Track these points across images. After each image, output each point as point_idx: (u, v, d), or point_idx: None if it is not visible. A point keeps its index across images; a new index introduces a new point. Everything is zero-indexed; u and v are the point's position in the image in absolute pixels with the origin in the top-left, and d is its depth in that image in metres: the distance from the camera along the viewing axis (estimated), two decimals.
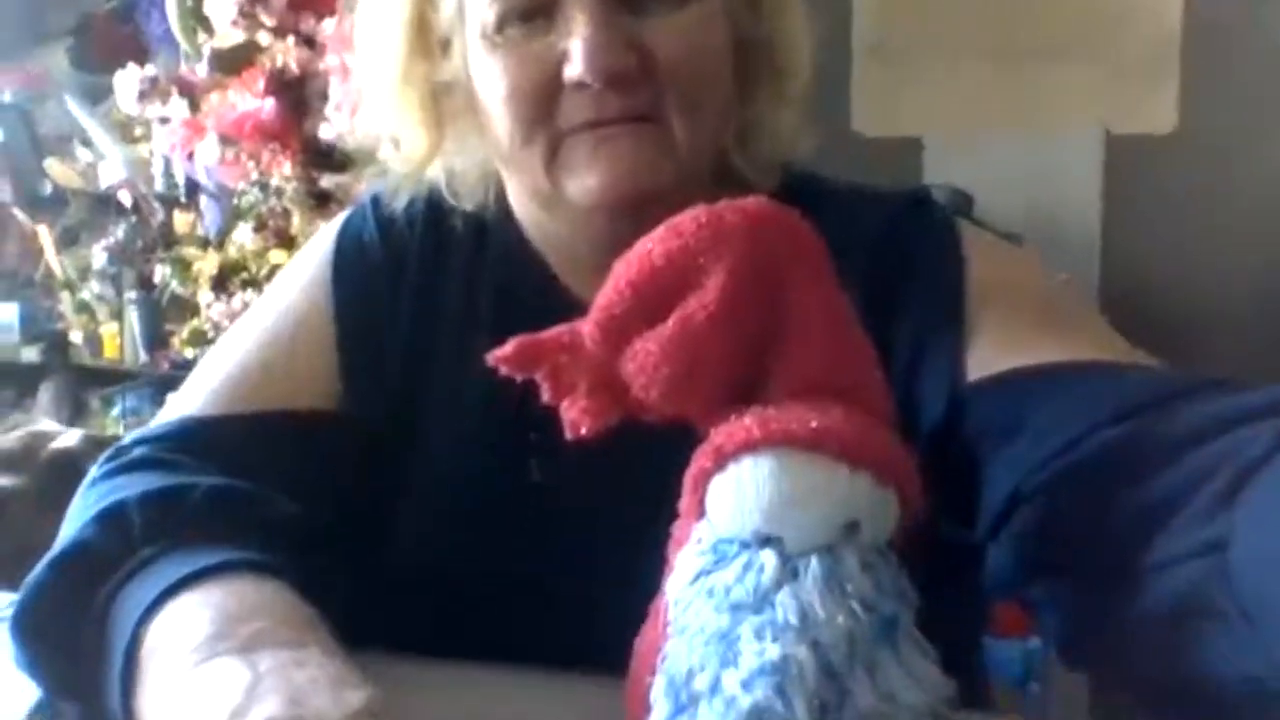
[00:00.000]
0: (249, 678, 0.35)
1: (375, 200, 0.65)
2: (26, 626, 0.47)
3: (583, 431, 0.42)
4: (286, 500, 0.52)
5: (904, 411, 0.52)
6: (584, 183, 0.54)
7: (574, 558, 0.56)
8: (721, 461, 0.37)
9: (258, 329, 0.62)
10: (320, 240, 0.66)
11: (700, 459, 0.38)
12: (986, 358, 0.51)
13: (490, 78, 0.55)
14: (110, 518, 0.47)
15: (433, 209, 0.63)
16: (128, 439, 0.57)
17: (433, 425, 0.61)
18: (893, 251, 0.57)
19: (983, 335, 0.52)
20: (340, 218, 0.67)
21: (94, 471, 0.54)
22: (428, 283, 0.62)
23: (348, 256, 0.63)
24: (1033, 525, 0.45)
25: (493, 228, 0.63)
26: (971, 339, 0.52)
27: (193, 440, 0.56)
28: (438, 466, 0.60)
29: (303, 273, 0.64)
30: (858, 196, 0.61)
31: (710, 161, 0.57)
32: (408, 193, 0.63)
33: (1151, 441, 0.41)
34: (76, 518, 0.50)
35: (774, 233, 0.38)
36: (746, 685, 0.32)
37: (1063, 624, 0.44)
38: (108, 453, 0.56)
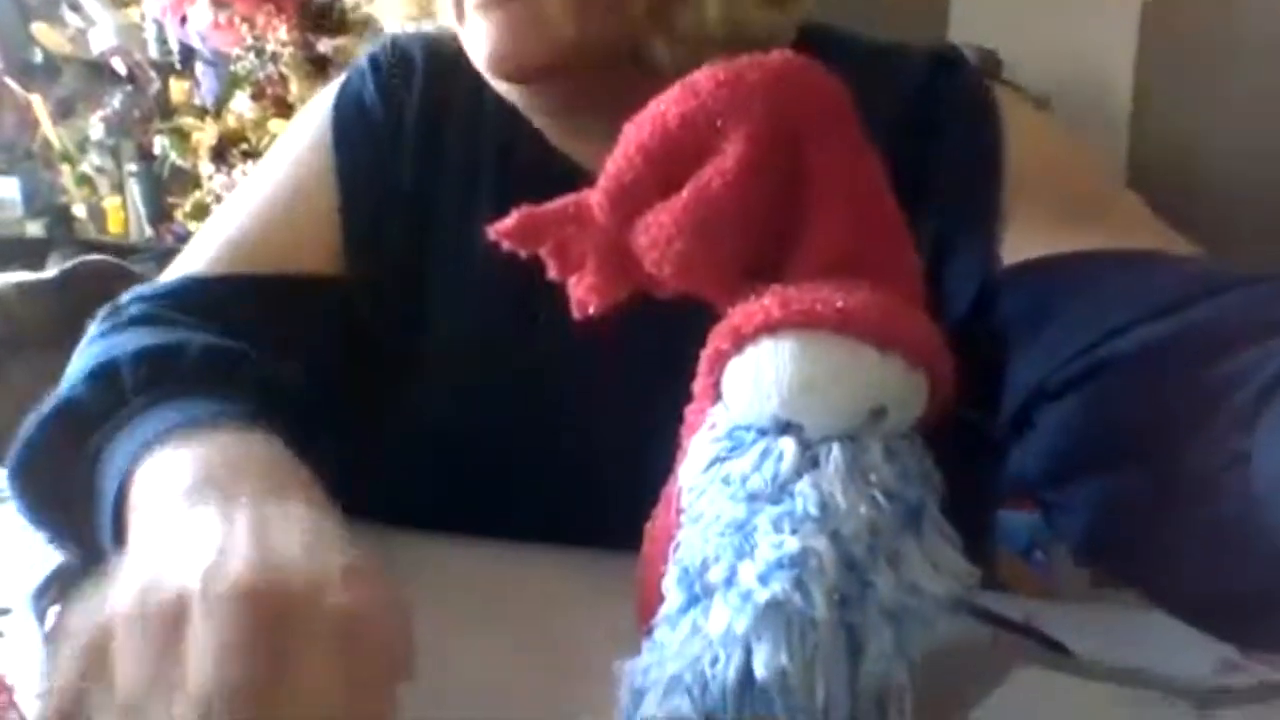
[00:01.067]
0: (223, 534, 0.33)
1: (374, 60, 0.63)
2: (23, 480, 0.48)
3: (591, 309, 0.39)
4: (286, 361, 0.50)
5: (930, 290, 0.50)
6: (479, 53, 0.53)
7: (581, 432, 0.54)
8: (739, 343, 0.34)
9: (259, 194, 0.61)
10: (319, 102, 0.64)
11: (716, 340, 0.35)
12: (1022, 242, 0.48)
13: None
14: (102, 374, 0.47)
15: (432, 67, 0.61)
16: (125, 297, 0.56)
17: (438, 292, 0.59)
18: (920, 119, 0.53)
19: (1020, 218, 0.49)
20: (339, 80, 0.65)
21: (91, 329, 0.54)
22: (428, 144, 0.60)
23: (347, 117, 0.62)
24: (1057, 422, 0.43)
25: (490, 86, 0.60)
26: (1007, 222, 0.49)
27: (192, 299, 0.55)
28: (442, 335, 0.58)
29: (303, 135, 0.63)
30: (880, 54, 0.57)
31: (618, 33, 0.52)
32: (408, 49, 0.62)
33: (1184, 344, 0.39)
34: (71, 374, 0.49)
35: (800, 92, 0.34)
36: (763, 578, 0.31)
37: (1081, 526, 0.42)
38: (104, 310, 0.55)
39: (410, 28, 0.63)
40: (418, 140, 0.60)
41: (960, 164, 0.52)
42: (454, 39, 0.58)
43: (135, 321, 0.52)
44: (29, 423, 0.48)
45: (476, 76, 0.59)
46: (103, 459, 0.44)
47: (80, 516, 0.45)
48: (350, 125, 0.61)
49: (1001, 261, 0.48)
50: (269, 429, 0.42)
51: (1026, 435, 0.45)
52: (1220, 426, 0.35)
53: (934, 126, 0.53)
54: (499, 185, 0.59)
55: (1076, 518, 0.42)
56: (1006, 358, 0.46)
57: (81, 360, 0.50)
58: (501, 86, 0.58)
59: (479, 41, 0.53)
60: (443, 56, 0.60)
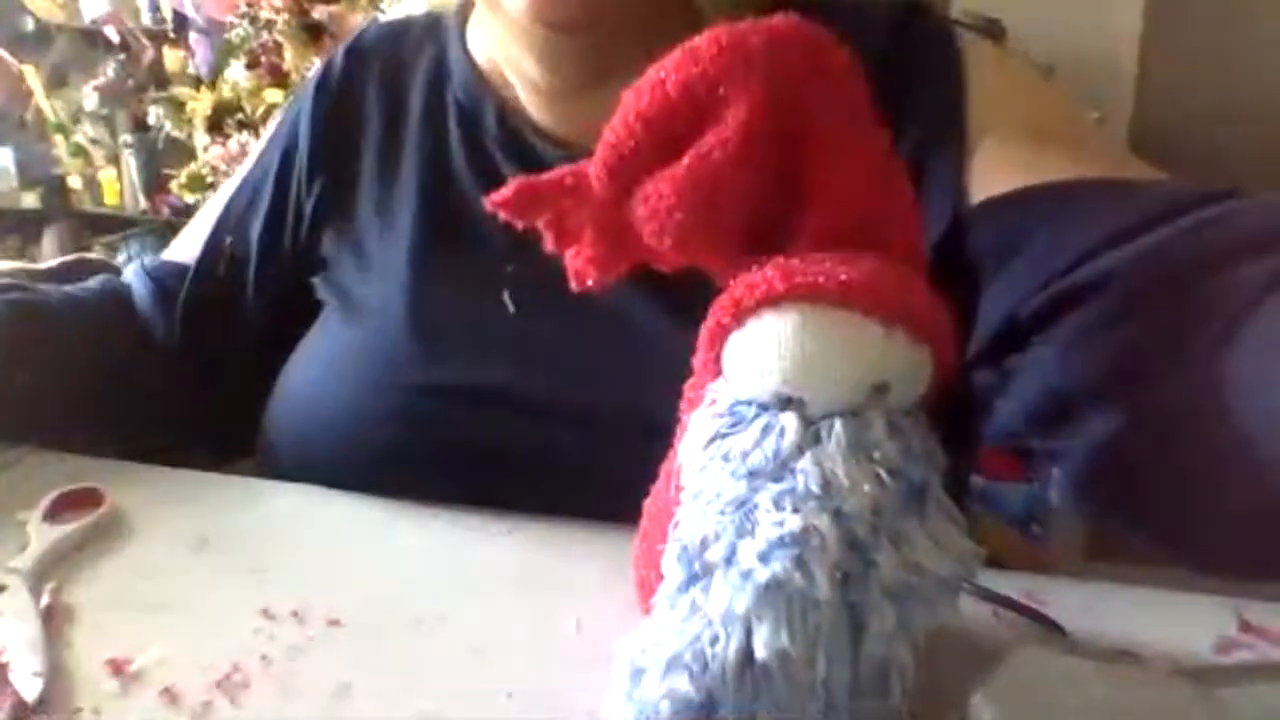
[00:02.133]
0: None
1: (348, 48, 0.67)
2: None
3: (589, 283, 0.38)
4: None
5: None
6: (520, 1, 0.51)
7: (580, 407, 0.53)
8: (740, 317, 0.33)
9: (244, 168, 0.68)
10: (307, 80, 0.69)
11: (717, 313, 0.34)
12: (989, 177, 0.47)
13: None
14: None
15: (395, 49, 0.65)
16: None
17: (400, 247, 0.60)
18: (892, 66, 0.52)
19: (985, 153, 0.48)
20: (326, 59, 0.69)
21: None
22: (393, 92, 0.64)
23: (326, 77, 0.66)
24: (1034, 362, 0.41)
25: (453, 45, 0.63)
26: (973, 158, 0.48)
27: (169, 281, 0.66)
28: (434, 311, 0.58)
29: (288, 109, 0.68)
30: (857, 8, 0.56)
31: None
32: (379, 34, 0.66)
33: (1155, 268, 0.37)
34: None
35: (803, 57, 0.33)
36: (764, 557, 0.30)
37: (1073, 471, 0.40)
38: None
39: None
40: (384, 89, 0.64)
41: (925, 105, 0.51)
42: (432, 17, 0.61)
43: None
44: None
45: (438, 27, 0.62)
46: None
47: None
48: (327, 83, 0.65)
49: (970, 197, 0.48)
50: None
51: (1006, 382, 0.43)
52: (1201, 349, 0.34)
53: (902, 72, 0.52)
54: (463, 142, 0.60)
55: (1067, 463, 0.40)
56: (979, 289, 0.45)
57: None
58: (492, 48, 0.58)
59: None
60: (409, 37, 0.64)
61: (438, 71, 0.63)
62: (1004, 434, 0.44)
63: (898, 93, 0.51)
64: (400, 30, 0.66)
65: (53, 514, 0.56)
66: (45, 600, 0.48)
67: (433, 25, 0.65)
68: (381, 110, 0.63)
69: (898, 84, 0.51)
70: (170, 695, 0.41)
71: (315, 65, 0.73)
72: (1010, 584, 0.45)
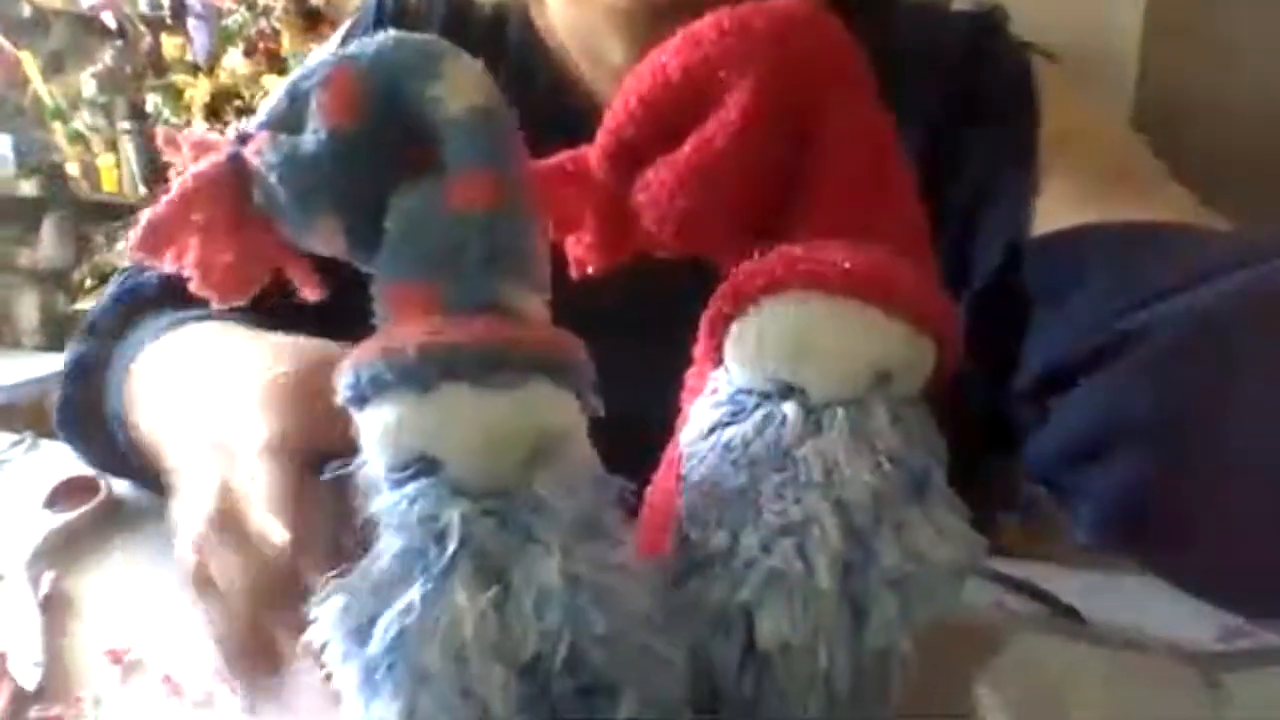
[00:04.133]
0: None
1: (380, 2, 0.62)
2: (65, 431, 0.57)
3: (589, 270, 0.38)
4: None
5: (957, 259, 0.48)
6: None
7: None
8: (741, 304, 0.33)
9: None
10: (327, 47, 0.64)
11: (718, 301, 0.34)
12: (1054, 210, 0.46)
13: None
14: (91, 328, 0.57)
15: (449, 5, 0.61)
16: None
17: None
18: (964, 81, 0.52)
19: (1052, 186, 0.47)
20: (348, 23, 0.65)
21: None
22: None
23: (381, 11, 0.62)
24: (1075, 400, 0.41)
25: (515, 18, 0.59)
26: (1040, 189, 0.48)
27: None
28: None
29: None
30: (926, 14, 0.56)
31: None
32: None
33: (1211, 316, 0.37)
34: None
35: (808, 42, 0.33)
36: (766, 546, 0.30)
37: (1098, 509, 0.40)
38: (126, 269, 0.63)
39: None
40: None
41: (996, 129, 0.51)
42: None
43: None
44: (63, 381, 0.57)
45: (499, 7, 0.59)
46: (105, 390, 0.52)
47: (112, 446, 0.52)
48: None
49: (1033, 228, 0.47)
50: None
51: (1045, 420, 0.43)
52: (1244, 400, 0.34)
53: (974, 89, 0.52)
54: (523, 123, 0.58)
55: (1091, 501, 0.40)
56: (1029, 327, 0.45)
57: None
58: (573, 13, 0.56)
59: None
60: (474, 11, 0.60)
61: (518, 65, 0.59)
62: (1037, 469, 0.44)
63: (968, 115, 0.51)
64: (460, 5, 0.61)
65: (52, 502, 0.56)
66: (45, 589, 0.48)
67: (496, 7, 0.61)
68: None
69: (968, 106, 0.51)
70: (171, 684, 0.41)
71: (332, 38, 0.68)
72: (1013, 571, 0.45)
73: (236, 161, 0.32)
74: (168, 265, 0.34)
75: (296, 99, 0.32)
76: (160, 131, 0.36)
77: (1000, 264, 0.47)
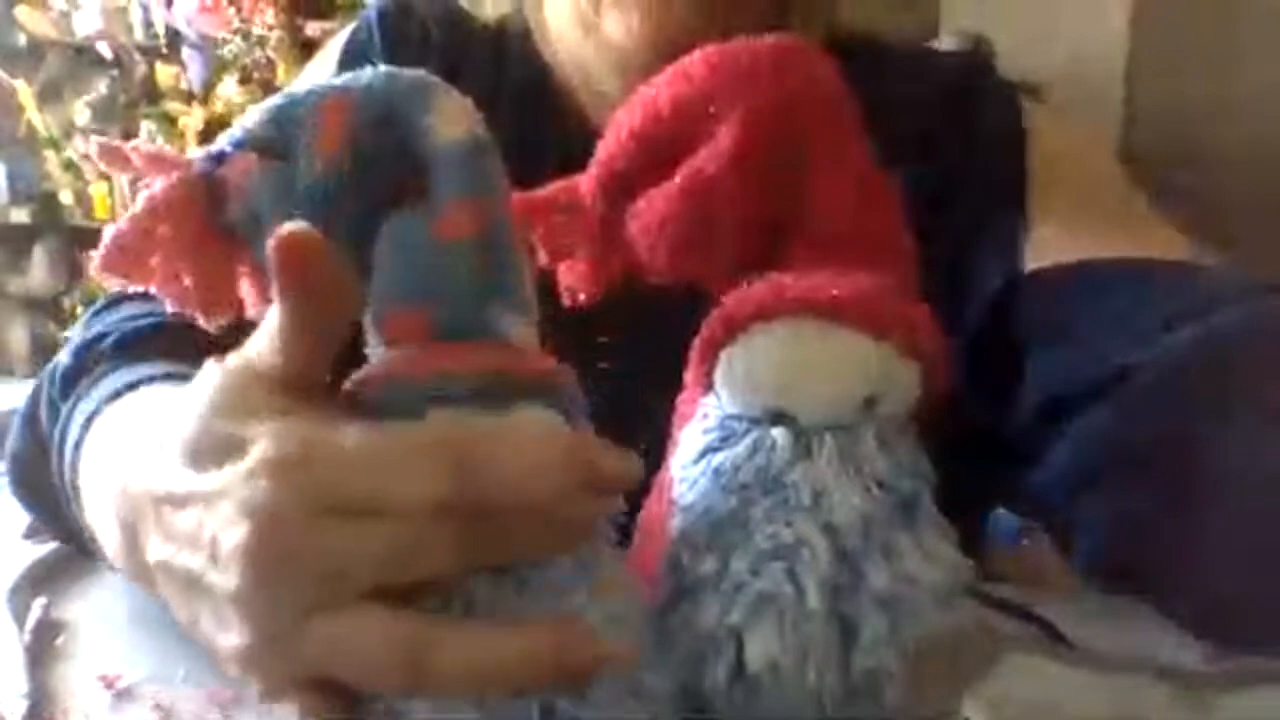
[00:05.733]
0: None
1: (381, 14, 0.60)
2: (14, 481, 0.51)
3: (580, 298, 0.39)
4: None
5: (951, 294, 0.49)
6: (627, 20, 0.49)
7: None
8: (732, 331, 0.34)
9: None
10: (321, 65, 0.62)
11: (709, 328, 0.35)
12: (1047, 247, 0.47)
13: None
14: (78, 356, 0.48)
15: (451, 20, 0.59)
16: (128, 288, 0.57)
17: None
18: (953, 119, 0.53)
19: (1045, 223, 0.48)
20: (342, 36, 0.62)
21: (85, 314, 0.55)
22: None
23: (362, 42, 0.60)
24: (1071, 436, 0.41)
25: (514, 42, 0.58)
26: (1032, 225, 0.48)
27: None
28: None
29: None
30: (915, 56, 0.58)
31: (769, 15, 0.52)
32: (414, 8, 0.59)
33: (1202, 356, 0.38)
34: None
35: (796, 76, 0.34)
36: (755, 569, 0.31)
37: (1092, 543, 0.41)
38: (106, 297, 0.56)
39: None
40: None
41: (987, 165, 0.51)
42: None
43: (130, 299, 0.53)
44: (16, 424, 0.50)
45: (498, 30, 0.57)
46: (64, 440, 0.44)
47: (59, 510, 0.45)
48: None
49: (1025, 264, 0.48)
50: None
51: (1041, 449, 0.43)
52: (1238, 437, 0.35)
53: (965, 127, 0.53)
54: (517, 149, 0.57)
55: (1088, 534, 0.41)
56: (1023, 365, 0.45)
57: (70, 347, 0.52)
58: (575, 44, 0.55)
59: (629, 2, 0.49)
60: (451, 18, 0.59)
61: (518, 90, 0.57)
62: (1033, 501, 0.44)
63: (959, 153, 0.52)
64: (459, 19, 0.60)
65: (32, 533, 0.55)
66: (36, 616, 0.48)
67: (497, 30, 0.60)
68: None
69: (960, 145, 0.52)
70: (163, 712, 0.40)
71: (325, 47, 0.64)
72: (1001, 593, 0.45)
73: (210, 179, 0.32)
74: (132, 284, 0.33)
75: (284, 124, 0.32)
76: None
77: (995, 299, 0.48)
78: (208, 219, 0.32)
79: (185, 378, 0.39)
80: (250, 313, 0.34)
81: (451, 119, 0.31)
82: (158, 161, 0.33)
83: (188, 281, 0.33)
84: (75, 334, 0.52)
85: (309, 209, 0.31)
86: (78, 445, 0.42)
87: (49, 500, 0.46)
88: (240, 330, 0.33)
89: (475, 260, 0.30)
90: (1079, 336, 0.43)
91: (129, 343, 0.48)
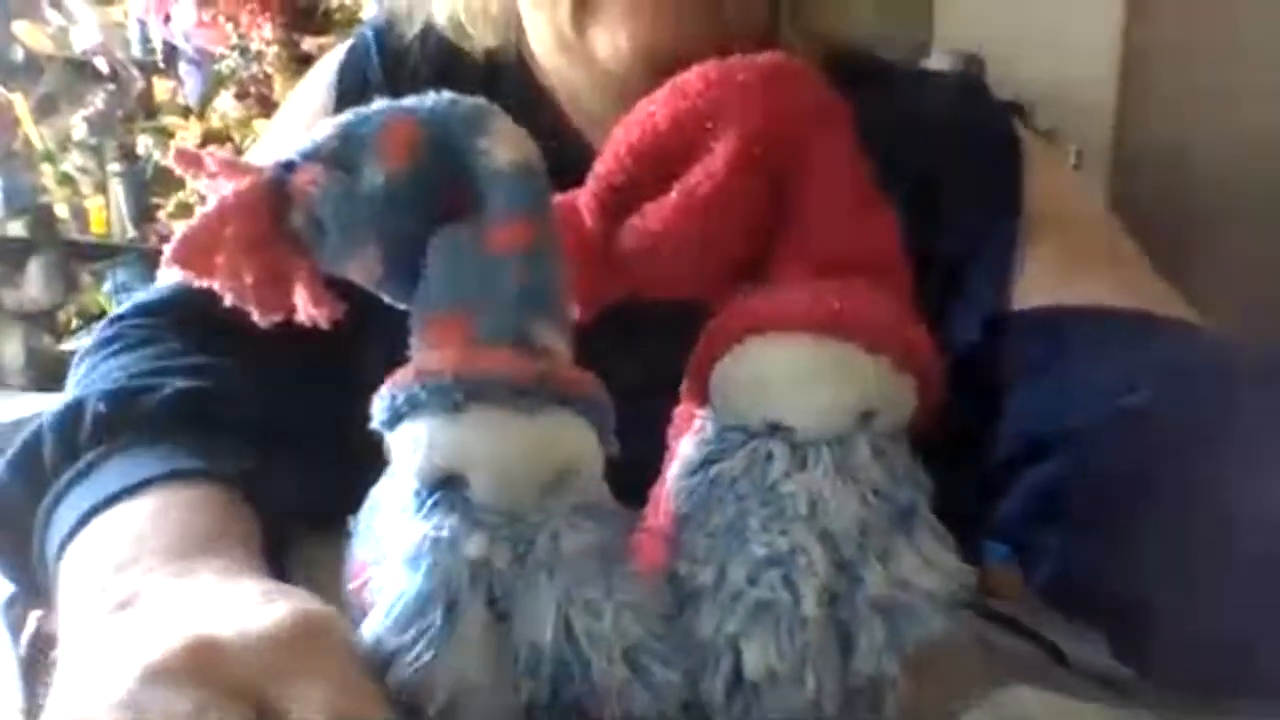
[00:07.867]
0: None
1: (378, 31, 0.60)
2: None
3: (577, 313, 0.39)
4: (268, 389, 0.48)
5: (935, 322, 0.50)
6: (614, 40, 0.49)
7: None
8: (727, 345, 0.34)
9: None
10: (319, 78, 0.61)
11: (705, 341, 0.35)
12: (1035, 286, 0.48)
13: None
14: (67, 418, 0.45)
15: (443, 43, 0.59)
16: (127, 307, 0.55)
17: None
18: (949, 142, 0.53)
19: (1035, 261, 0.48)
20: (338, 51, 0.62)
21: (90, 341, 0.53)
22: None
23: (350, 91, 0.59)
24: (1042, 473, 0.42)
25: (507, 69, 0.58)
26: (1023, 264, 0.48)
27: (190, 309, 0.52)
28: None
29: (299, 117, 0.60)
30: (919, 79, 0.58)
31: (760, 29, 0.52)
32: (417, 21, 0.59)
33: (1183, 412, 0.38)
34: (48, 411, 0.47)
35: (791, 94, 0.34)
36: (752, 578, 0.31)
37: (1048, 573, 0.42)
38: (103, 323, 0.54)
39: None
40: None
41: (981, 193, 0.51)
42: (471, 9, 0.56)
43: (128, 344, 0.50)
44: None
45: (492, 56, 0.57)
46: (48, 527, 0.43)
47: (40, 577, 0.43)
48: (353, 100, 0.59)
49: (1012, 303, 0.48)
50: (214, 478, 0.41)
51: (1005, 487, 0.44)
52: (1205, 479, 0.36)
53: (960, 151, 0.53)
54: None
55: (1048, 560, 0.41)
56: (1009, 398, 0.46)
57: (70, 381, 0.50)
58: (562, 69, 0.55)
59: (615, 22, 0.48)
60: (442, 46, 0.58)
61: (514, 112, 0.58)
62: (1001, 529, 0.45)
63: (951, 170, 0.52)
64: (452, 49, 0.59)
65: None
66: (31, 628, 0.48)
67: (487, 61, 0.59)
68: None
69: (955, 164, 0.52)
70: None
71: (321, 62, 0.63)
72: (1008, 612, 0.45)
73: (278, 185, 0.34)
74: (197, 278, 0.35)
75: (350, 140, 0.34)
76: (176, 148, 0.37)
77: (980, 333, 0.48)
78: (273, 223, 0.34)
79: (189, 476, 0.40)
80: (300, 315, 0.36)
81: (506, 142, 0.34)
82: (231, 168, 0.35)
83: (248, 279, 0.35)
84: (74, 377, 0.50)
85: (367, 217, 0.33)
86: (62, 547, 0.41)
87: (22, 552, 0.44)
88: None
89: (520, 273, 0.33)
90: (1063, 379, 0.43)
91: (127, 412, 0.45)
